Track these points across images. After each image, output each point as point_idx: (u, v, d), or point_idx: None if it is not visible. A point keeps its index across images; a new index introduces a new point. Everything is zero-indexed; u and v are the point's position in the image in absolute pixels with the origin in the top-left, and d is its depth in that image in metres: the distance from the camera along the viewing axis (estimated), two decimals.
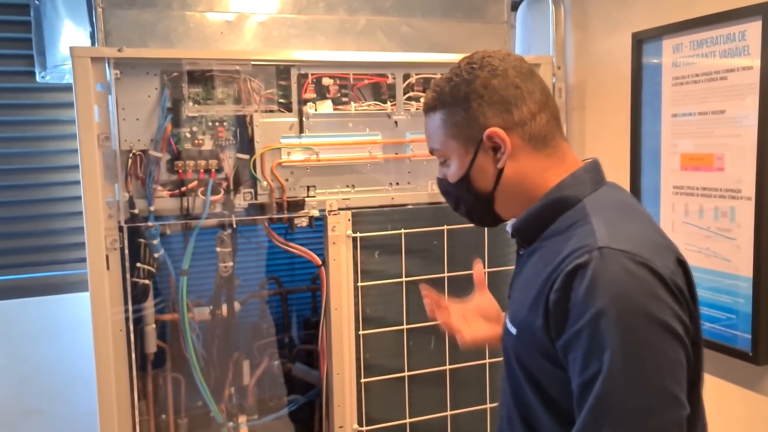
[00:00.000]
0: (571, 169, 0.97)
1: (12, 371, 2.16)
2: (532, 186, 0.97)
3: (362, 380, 1.90)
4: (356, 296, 1.87)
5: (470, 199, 1.01)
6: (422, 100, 1.07)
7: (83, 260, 2.16)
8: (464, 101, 0.96)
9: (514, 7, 2.24)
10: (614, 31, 1.90)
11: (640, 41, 1.74)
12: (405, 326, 1.91)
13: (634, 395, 0.78)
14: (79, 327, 2.16)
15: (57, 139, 2.17)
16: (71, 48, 1.56)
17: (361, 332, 1.88)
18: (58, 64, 2.08)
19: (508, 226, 1.06)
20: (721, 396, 1.66)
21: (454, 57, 1.40)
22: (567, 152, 1.00)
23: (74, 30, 2.03)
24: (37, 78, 2.10)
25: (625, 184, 1.85)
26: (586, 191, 0.95)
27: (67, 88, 2.11)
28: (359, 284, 1.87)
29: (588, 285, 0.80)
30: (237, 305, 1.90)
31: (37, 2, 2.09)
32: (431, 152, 1.06)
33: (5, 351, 2.16)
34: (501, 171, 0.96)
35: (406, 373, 1.93)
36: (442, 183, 1.06)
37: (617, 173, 1.91)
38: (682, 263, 0.89)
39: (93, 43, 1.75)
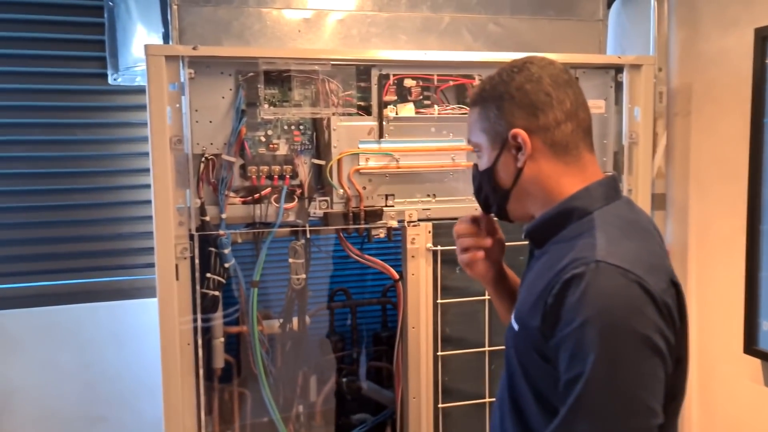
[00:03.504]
0: (588, 181, 1.02)
1: (78, 377, 2.15)
2: (548, 189, 1.03)
3: (440, 405, 1.79)
4: (435, 314, 1.76)
5: (489, 190, 1.10)
6: None
7: (151, 265, 2.16)
8: (498, 99, 1.04)
9: (609, 5, 2.07)
10: (731, 28, 1.71)
11: (764, 38, 1.56)
12: (487, 348, 1.80)
13: (608, 399, 0.85)
14: (146, 334, 2.14)
15: (127, 142, 2.15)
16: (145, 46, 1.50)
17: (439, 353, 1.77)
18: (130, 66, 2.05)
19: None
20: None
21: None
22: (588, 164, 1.04)
23: (147, 32, 2.00)
24: (109, 80, 2.07)
25: (742, 195, 1.68)
26: (596, 204, 1.00)
27: (139, 91, 2.11)
28: (438, 301, 1.76)
29: (579, 295, 0.87)
30: (306, 318, 1.80)
31: (111, 3, 2.06)
32: (468, 143, 1.15)
33: (72, 356, 2.14)
34: (520, 170, 1.03)
35: (487, 399, 1.81)
36: (474, 168, 1.15)
37: (730, 184, 1.74)
38: (675, 285, 0.95)
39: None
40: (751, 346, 1.66)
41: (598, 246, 0.91)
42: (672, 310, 0.91)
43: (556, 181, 1.02)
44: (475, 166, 1.14)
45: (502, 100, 1.03)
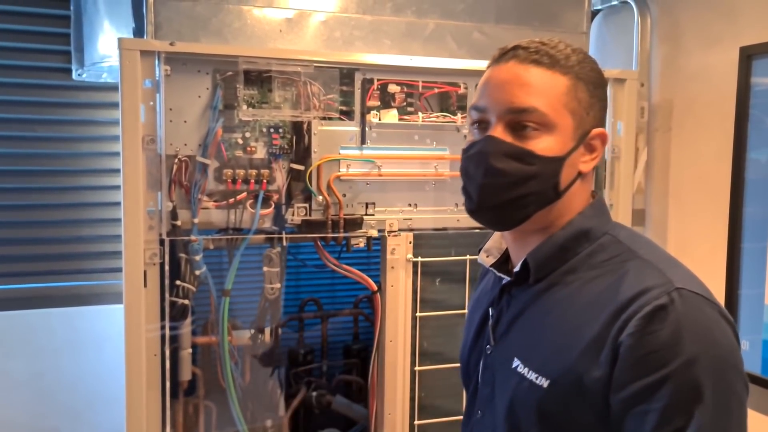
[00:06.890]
0: (588, 199, 0.89)
1: (30, 386, 2.03)
2: (572, 206, 0.86)
3: (416, 422, 1.73)
4: (413, 327, 1.71)
5: (543, 186, 0.82)
6: None
7: (111, 270, 2.06)
8: (595, 86, 0.85)
9: (591, 17, 2.07)
10: (715, 45, 1.71)
11: (749, 56, 1.56)
12: None
13: None
14: (103, 342, 2.05)
15: (90, 141, 2.04)
16: (119, 39, 1.41)
17: (417, 368, 1.72)
18: (96, 61, 1.96)
19: (482, 257, 0.96)
20: None
21: None
22: None
23: (116, 27, 1.91)
24: (74, 75, 1.98)
25: (722, 213, 1.68)
26: (607, 223, 0.88)
27: (105, 88, 2.01)
28: (417, 314, 1.70)
29: (673, 330, 0.73)
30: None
31: None
32: (520, 111, 0.81)
33: (24, 365, 2.02)
34: (579, 175, 0.85)
35: None
36: (511, 148, 0.81)
37: (710, 202, 1.74)
38: None
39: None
40: None
41: (666, 270, 0.78)
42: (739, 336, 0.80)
43: (581, 198, 0.87)
44: (509, 145, 0.81)
45: (599, 89, 0.85)
